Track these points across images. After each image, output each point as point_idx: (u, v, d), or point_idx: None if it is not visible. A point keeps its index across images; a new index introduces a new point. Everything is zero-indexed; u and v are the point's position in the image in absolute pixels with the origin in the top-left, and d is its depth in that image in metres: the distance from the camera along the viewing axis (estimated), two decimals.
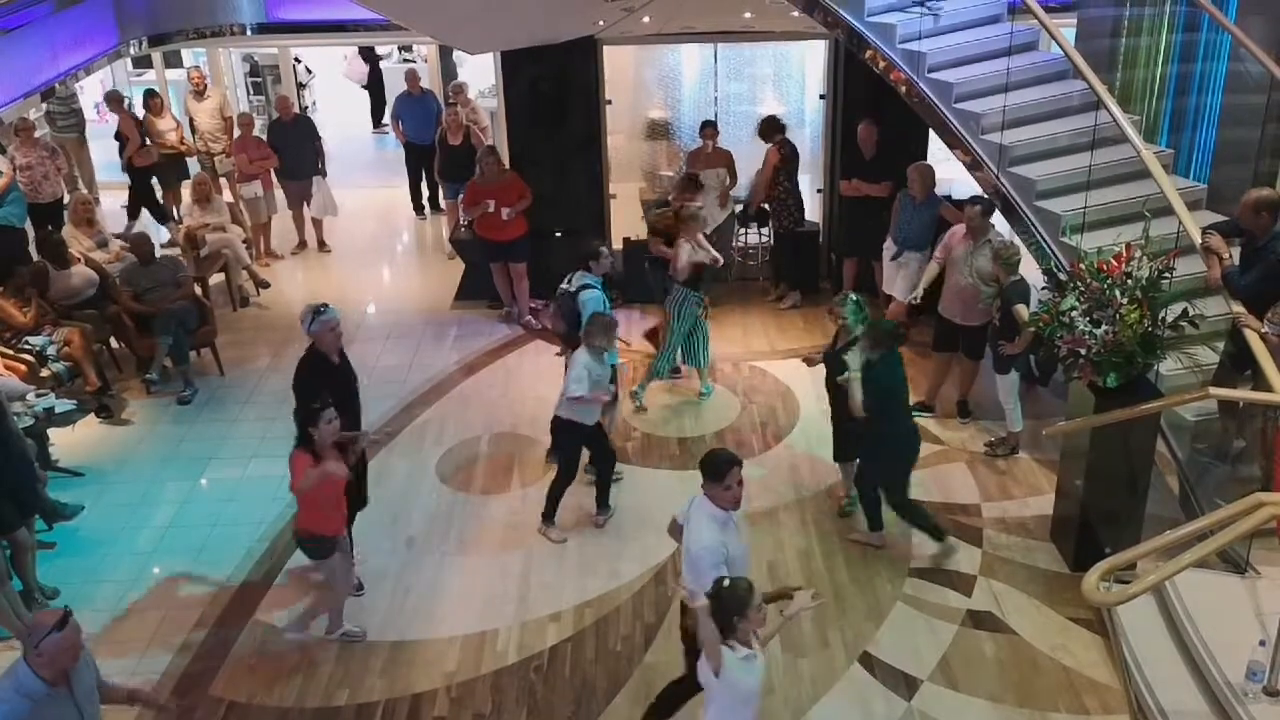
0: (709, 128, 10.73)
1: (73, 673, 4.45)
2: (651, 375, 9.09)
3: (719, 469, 5.10)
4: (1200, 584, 5.97)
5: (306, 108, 16.30)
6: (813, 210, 11.33)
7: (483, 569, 7.13)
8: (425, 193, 13.70)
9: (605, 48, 10.75)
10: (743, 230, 11.56)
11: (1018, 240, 8.08)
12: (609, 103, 11.01)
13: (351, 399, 6.69)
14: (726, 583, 4.51)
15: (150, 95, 12.88)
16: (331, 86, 17.97)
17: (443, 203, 12.92)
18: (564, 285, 8.05)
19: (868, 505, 7.15)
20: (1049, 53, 9.03)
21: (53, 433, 8.14)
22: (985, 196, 8.27)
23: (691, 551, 5.09)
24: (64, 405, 8.10)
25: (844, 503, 7.57)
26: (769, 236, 11.43)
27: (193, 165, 13.07)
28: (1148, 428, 6.59)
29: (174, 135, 12.88)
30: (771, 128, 10.60)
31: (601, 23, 9.97)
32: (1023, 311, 7.36)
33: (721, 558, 5.00)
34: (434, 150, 12.27)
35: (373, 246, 13.10)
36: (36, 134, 11.74)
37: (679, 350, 9.09)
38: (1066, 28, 9.31)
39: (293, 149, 12.23)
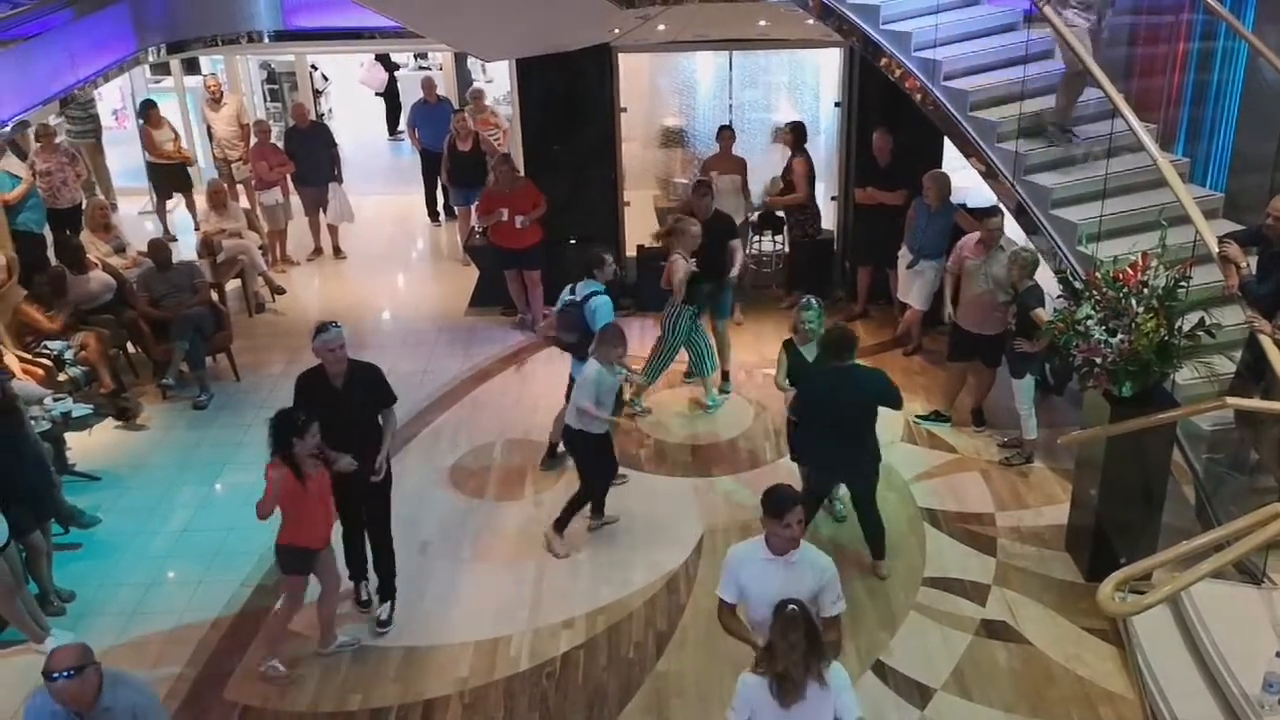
0: (726, 131, 10.73)
1: (86, 716, 4.31)
2: (639, 387, 8.78)
3: (780, 506, 4.80)
4: (1217, 595, 5.94)
5: (323, 114, 16.38)
6: (827, 218, 11.32)
7: (496, 575, 7.14)
8: (440, 200, 13.75)
9: (620, 55, 10.77)
10: (756, 238, 11.55)
11: (1031, 245, 8.05)
12: (624, 110, 11.03)
13: (349, 429, 6.16)
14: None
15: (148, 106, 13.00)
16: (347, 93, 18.06)
17: (456, 209, 12.97)
18: (567, 294, 7.88)
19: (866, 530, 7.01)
20: (1065, 62, 9.00)
21: (69, 437, 8.19)
22: (1003, 207, 8.26)
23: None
24: (81, 409, 8.15)
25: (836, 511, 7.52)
26: (784, 244, 11.42)
27: (197, 172, 13.18)
28: (1164, 437, 6.55)
29: (171, 145, 12.99)
30: (803, 136, 10.56)
31: (617, 30, 9.99)
32: (1042, 315, 7.32)
33: (733, 585, 4.97)
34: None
35: (388, 253, 13.15)
36: (57, 140, 11.85)
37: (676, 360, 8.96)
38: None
39: (309, 155, 12.30)
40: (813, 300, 7.20)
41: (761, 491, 5.01)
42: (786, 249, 11.36)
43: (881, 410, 6.73)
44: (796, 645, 4.27)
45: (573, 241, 10.79)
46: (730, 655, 6.27)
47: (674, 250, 8.62)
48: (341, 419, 6.13)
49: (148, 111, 12.90)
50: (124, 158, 14.69)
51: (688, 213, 9.19)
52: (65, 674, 4.19)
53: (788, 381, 7.16)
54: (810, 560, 4.93)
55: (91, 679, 4.26)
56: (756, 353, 9.99)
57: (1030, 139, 8.09)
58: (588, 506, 7.46)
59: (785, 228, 11.11)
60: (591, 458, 7.31)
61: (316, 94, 16.38)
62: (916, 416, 8.74)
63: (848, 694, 4.44)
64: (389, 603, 6.71)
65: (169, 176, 13.15)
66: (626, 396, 8.52)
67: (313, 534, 6.02)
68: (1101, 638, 6.36)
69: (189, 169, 13.32)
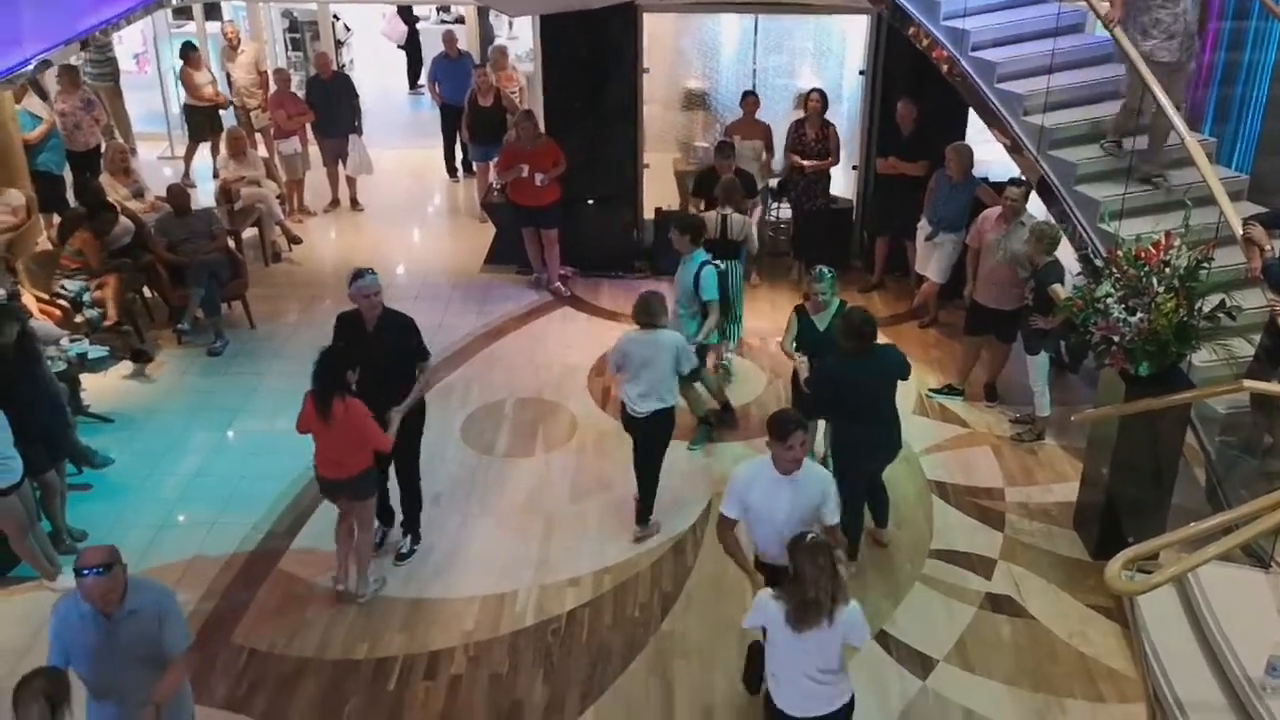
0: (750, 97, 10.63)
1: (113, 617, 4.42)
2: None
3: (784, 428, 5.08)
4: (1223, 578, 5.93)
5: (344, 65, 16.30)
6: (847, 187, 11.23)
7: (504, 531, 7.18)
8: (459, 155, 13.70)
9: (645, 15, 10.66)
10: (775, 204, 11.48)
11: (1053, 219, 7.99)
12: (646, 71, 10.93)
13: (378, 373, 6.33)
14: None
15: (189, 48, 12.94)
16: (369, 45, 17.96)
17: (475, 165, 12.93)
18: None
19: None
20: (1095, 35, 8.91)
21: (84, 378, 8.22)
22: (1025, 179, 8.18)
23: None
24: (97, 351, 8.19)
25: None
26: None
27: (227, 118, 13.14)
28: (1177, 418, 6.54)
29: (210, 89, 12.95)
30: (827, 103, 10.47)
31: None
32: (1060, 291, 7.27)
33: (737, 503, 5.27)
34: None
35: (405, 207, 13.11)
36: (80, 82, 11.81)
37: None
38: None
39: (330, 106, 12.24)
40: (825, 271, 7.15)
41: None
42: (790, 216, 11.23)
43: None
44: (825, 568, 4.44)
45: (590, 202, 10.75)
46: (734, 620, 6.33)
47: (721, 206, 8.53)
48: (371, 360, 6.31)
49: (189, 53, 12.85)
50: (144, 102, 14.65)
51: (710, 172, 9.19)
52: (95, 570, 4.30)
53: (794, 346, 7.13)
54: (812, 475, 5.23)
55: (119, 577, 4.39)
56: (771, 320, 9.94)
57: (1055, 112, 8.01)
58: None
59: (816, 198, 10.76)
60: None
61: (338, 44, 16.28)
62: (929, 390, 8.73)
63: (857, 620, 4.60)
64: (410, 536, 6.93)
65: (204, 119, 13.12)
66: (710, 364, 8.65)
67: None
68: (1106, 616, 6.38)
69: (220, 113, 13.28)
